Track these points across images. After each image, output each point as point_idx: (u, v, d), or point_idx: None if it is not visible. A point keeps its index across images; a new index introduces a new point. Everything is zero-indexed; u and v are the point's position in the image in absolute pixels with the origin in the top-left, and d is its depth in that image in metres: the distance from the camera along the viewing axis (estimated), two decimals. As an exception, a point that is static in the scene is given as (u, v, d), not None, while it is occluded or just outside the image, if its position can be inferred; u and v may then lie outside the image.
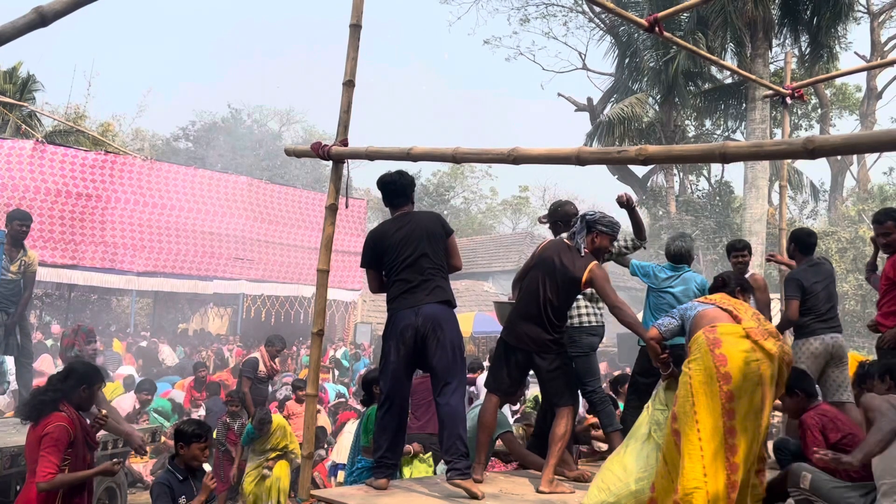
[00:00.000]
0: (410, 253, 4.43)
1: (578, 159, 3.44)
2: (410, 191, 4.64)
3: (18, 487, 5.87)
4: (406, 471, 5.87)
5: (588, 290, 4.82)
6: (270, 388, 9.71)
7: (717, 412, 3.52)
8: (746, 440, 3.53)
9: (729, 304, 3.89)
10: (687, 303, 4.19)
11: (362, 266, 4.64)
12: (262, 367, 8.75)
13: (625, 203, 5.22)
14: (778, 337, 3.76)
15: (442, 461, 5.10)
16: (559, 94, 29.01)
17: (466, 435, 4.48)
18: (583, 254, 4.56)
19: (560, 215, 5.33)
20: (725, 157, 2.99)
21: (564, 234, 4.87)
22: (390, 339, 4.47)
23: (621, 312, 4.36)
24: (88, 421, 4.46)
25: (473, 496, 4.16)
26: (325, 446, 9.12)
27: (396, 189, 4.60)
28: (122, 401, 9.25)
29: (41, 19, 3.03)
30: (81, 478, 4.23)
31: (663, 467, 3.71)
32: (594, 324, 5.25)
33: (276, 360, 9.21)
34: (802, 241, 5.93)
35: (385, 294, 4.57)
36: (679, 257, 5.61)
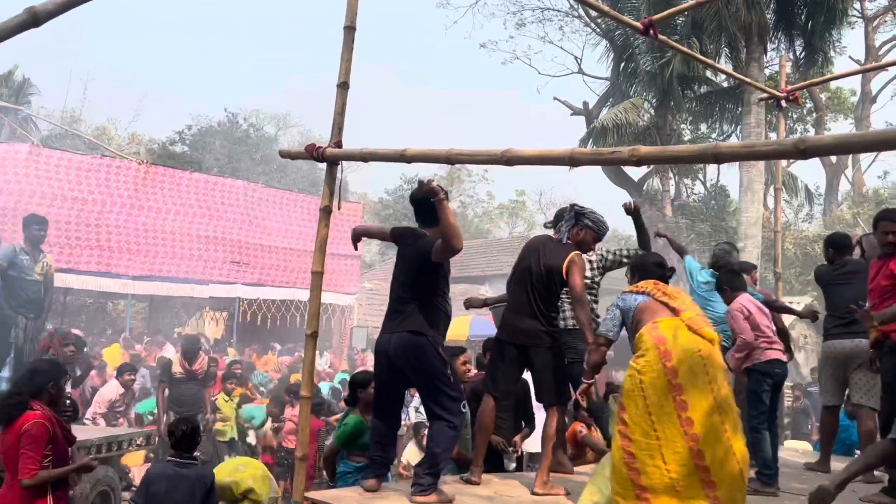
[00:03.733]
0: (398, 277, 4.42)
1: (572, 160, 3.45)
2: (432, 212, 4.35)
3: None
4: None
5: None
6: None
7: (671, 405, 3.57)
8: (704, 425, 3.57)
9: (664, 296, 3.94)
10: (623, 294, 4.15)
11: (392, 235, 4.71)
12: (177, 369, 8.85)
13: (632, 210, 5.39)
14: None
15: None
16: (555, 98, 28.99)
17: (443, 455, 4.33)
18: (565, 242, 4.63)
19: None
20: (718, 158, 3.00)
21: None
22: (375, 358, 4.53)
23: (578, 307, 4.45)
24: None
25: None
26: None
27: (420, 208, 4.40)
28: (105, 389, 9.26)
29: (33, 19, 3.03)
30: (63, 473, 4.34)
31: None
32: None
33: (201, 358, 9.22)
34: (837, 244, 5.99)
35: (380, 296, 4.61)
36: (723, 266, 5.89)
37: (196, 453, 5.15)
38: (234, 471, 5.52)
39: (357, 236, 4.83)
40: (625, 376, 3.83)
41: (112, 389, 9.16)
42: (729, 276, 5.49)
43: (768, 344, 5.07)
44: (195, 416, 8.39)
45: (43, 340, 5.82)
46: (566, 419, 5.49)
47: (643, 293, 4.02)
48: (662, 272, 4.22)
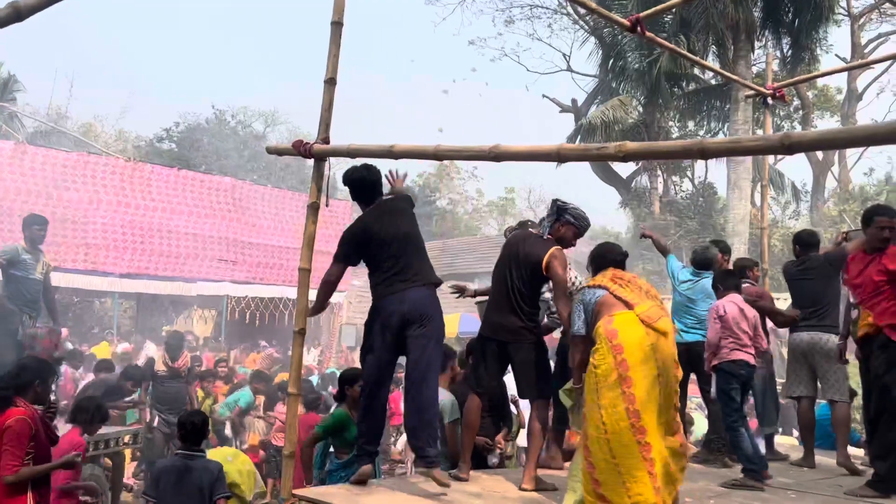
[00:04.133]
0: (396, 240, 4.44)
1: (559, 156, 3.45)
2: (380, 184, 4.67)
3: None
4: None
5: None
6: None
7: (619, 398, 3.64)
8: (654, 419, 3.68)
9: (620, 289, 3.99)
10: (583, 289, 4.21)
11: (338, 260, 4.56)
12: (159, 367, 8.85)
13: (647, 235, 6.53)
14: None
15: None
16: (544, 96, 29.12)
17: (437, 424, 4.46)
18: (545, 238, 4.64)
19: None
20: (704, 154, 3.01)
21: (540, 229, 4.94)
22: (374, 325, 4.44)
23: (562, 302, 4.49)
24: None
25: (443, 485, 4.19)
26: None
27: (366, 184, 4.63)
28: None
29: (16, 14, 3.01)
30: (45, 470, 4.34)
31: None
32: None
33: (184, 355, 9.22)
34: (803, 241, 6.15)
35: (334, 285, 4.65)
36: (703, 265, 6.00)
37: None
38: (223, 461, 5.50)
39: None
40: (586, 372, 3.89)
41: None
42: (722, 274, 5.62)
43: (736, 345, 5.13)
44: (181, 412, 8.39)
45: (45, 338, 5.81)
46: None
47: (600, 287, 4.06)
48: (616, 258, 4.24)
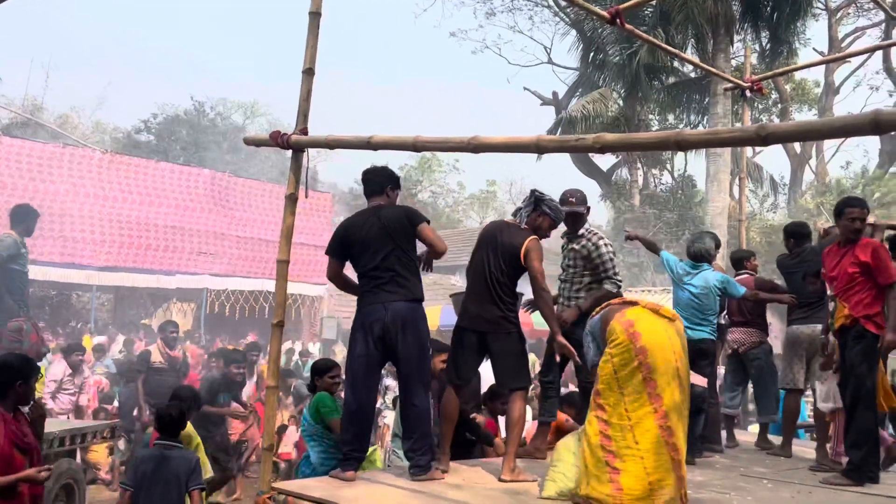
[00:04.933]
0: (377, 248, 4.45)
1: (538, 147, 3.46)
2: (387, 185, 4.65)
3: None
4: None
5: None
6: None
7: (641, 385, 3.75)
8: (671, 402, 3.78)
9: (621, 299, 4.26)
10: (589, 321, 4.29)
11: (327, 252, 4.67)
12: (157, 358, 8.68)
13: (632, 237, 6.42)
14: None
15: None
16: (525, 88, 29.06)
17: (430, 432, 4.56)
18: (522, 227, 4.68)
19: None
20: (680, 145, 3.02)
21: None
22: (357, 332, 4.49)
23: (542, 299, 4.54)
24: (27, 414, 4.27)
25: (440, 476, 4.36)
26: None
27: (368, 181, 4.67)
28: (53, 368, 9.12)
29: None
30: (6, 482, 3.84)
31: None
32: None
33: (175, 349, 9.13)
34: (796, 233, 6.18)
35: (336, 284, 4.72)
36: (698, 256, 5.97)
37: None
38: None
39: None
40: (601, 364, 3.93)
41: (59, 369, 9.04)
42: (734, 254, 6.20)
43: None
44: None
45: (31, 333, 5.69)
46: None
47: (602, 309, 4.19)
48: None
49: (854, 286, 4.84)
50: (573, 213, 5.23)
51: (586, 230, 5.36)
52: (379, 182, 4.67)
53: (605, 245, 5.26)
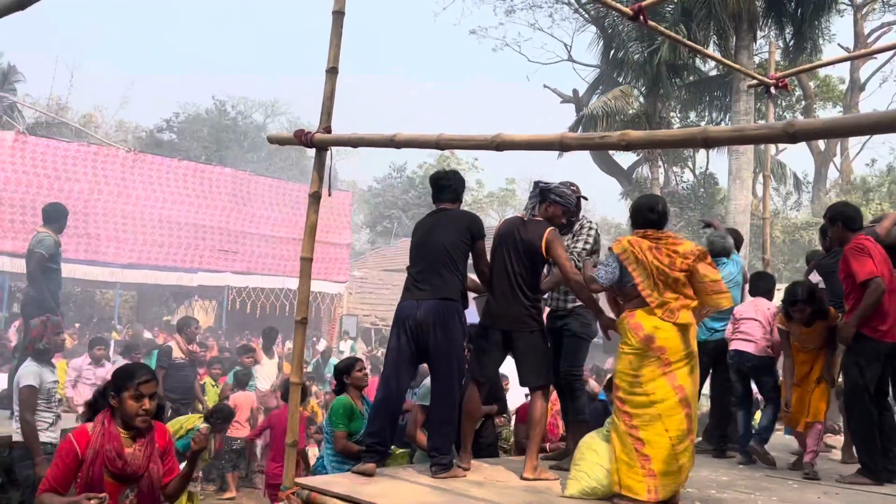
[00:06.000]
0: (426, 247, 4.58)
1: (562, 145, 3.43)
2: (453, 189, 4.77)
3: (0, 479, 5.84)
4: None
5: None
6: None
7: (661, 375, 3.87)
8: (692, 389, 3.93)
9: (640, 272, 4.09)
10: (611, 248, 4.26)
11: None
12: (177, 354, 8.72)
13: (709, 224, 6.66)
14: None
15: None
16: (545, 86, 28.90)
17: (454, 432, 4.58)
18: (537, 220, 4.67)
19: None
20: (707, 142, 2.99)
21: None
22: (393, 327, 4.60)
23: (578, 285, 4.50)
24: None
25: (461, 473, 4.41)
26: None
27: (436, 185, 4.83)
28: (76, 360, 9.28)
29: (19, 3, 2.99)
30: None
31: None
32: None
33: (195, 343, 9.17)
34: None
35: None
36: (722, 252, 6.00)
37: None
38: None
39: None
40: (616, 359, 4.04)
41: (81, 359, 9.25)
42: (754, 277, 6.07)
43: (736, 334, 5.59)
44: (192, 405, 8.40)
45: (35, 328, 5.73)
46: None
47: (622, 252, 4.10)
48: (652, 217, 4.18)
49: (849, 292, 4.94)
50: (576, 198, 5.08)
51: (582, 216, 5.19)
52: (445, 187, 4.78)
53: (591, 229, 5.01)
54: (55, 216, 7.53)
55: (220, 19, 77.33)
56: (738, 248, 6.41)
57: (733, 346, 5.54)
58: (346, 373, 5.34)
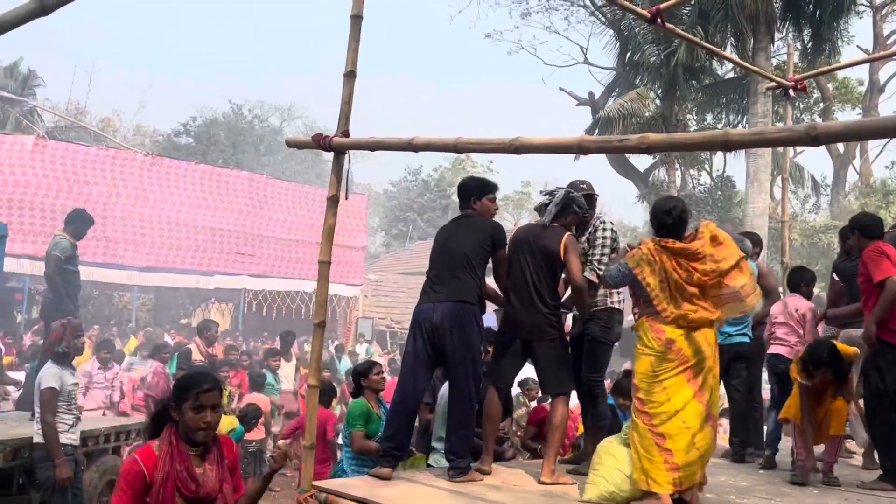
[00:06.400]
0: (445, 251, 4.59)
1: (580, 148, 3.42)
2: (471, 196, 4.79)
3: (21, 480, 5.89)
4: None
5: None
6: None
7: (679, 374, 3.90)
8: (710, 388, 3.98)
9: (652, 280, 4.09)
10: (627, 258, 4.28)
11: None
12: (197, 357, 8.76)
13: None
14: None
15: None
16: (561, 89, 28.79)
17: (472, 436, 4.58)
18: (555, 225, 4.68)
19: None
20: (728, 145, 2.97)
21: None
22: (411, 330, 4.61)
23: (581, 295, 4.58)
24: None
25: (481, 476, 4.41)
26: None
27: (460, 192, 4.89)
28: (84, 365, 9.31)
29: (42, 8, 3.01)
30: None
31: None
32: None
33: (214, 346, 9.21)
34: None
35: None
36: None
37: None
38: None
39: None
40: (635, 362, 4.04)
41: (90, 366, 9.32)
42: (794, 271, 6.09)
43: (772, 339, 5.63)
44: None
45: (55, 331, 5.79)
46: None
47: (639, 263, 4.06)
48: (668, 221, 4.10)
49: (868, 296, 4.92)
50: (589, 195, 5.06)
51: (596, 218, 5.10)
52: (464, 193, 4.83)
53: (605, 230, 4.94)
54: (74, 220, 7.65)
55: (226, 20, 77.80)
56: (758, 252, 6.34)
57: (770, 349, 5.65)
58: (363, 376, 5.38)
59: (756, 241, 6.42)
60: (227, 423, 7.03)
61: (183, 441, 3.12)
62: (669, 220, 4.10)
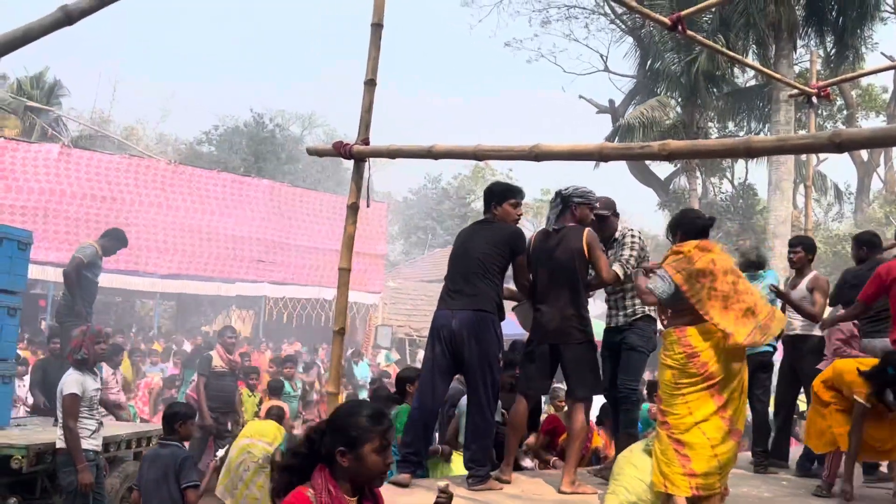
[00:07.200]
0: (462, 257, 4.58)
1: (601, 155, 3.42)
2: (491, 201, 4.76)
3: (44, 485, 5.95)
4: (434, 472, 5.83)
5: None
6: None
7: (702, 385, 3.86)
8: (734, 400, 3.93)
9: (692, 288, 4.03)
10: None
11: None
12: (217, 363, 8.78)
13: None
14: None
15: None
16: (581, 97, 28.76)
17: (491, 444, 4.60)
18: (570, 225, 4.62)
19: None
20: (750, 152, 2.95)
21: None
22: (430, 337, 4.60)
23: (608, 283, 4.58)
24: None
25: (500, 484, 4.40)
26: None
27: (484, 196, 4.89)
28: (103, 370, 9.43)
29: (67, 18, 3.06)
30: None
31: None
32: None
33: (237, 352, 9.23)
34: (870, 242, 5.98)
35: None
36: (759, 264, 5.98)
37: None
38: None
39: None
40: (659, 371, 4.03)
41: (104, 373, 9.33)
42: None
43: None
44: (231, 414, 8.47)
45: (75, 338, 5.85)
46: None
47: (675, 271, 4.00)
48: (704, 223, 4.15)
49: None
50: (598, 216, 4.94)
51: (621, 232, 5.06)
52: (487, 197, 4.83)
53: (634, 236, 4.91)
54: (111, 236, 7.91)
55: (226, 18, 78.61)
56: (761, 267, 6.16)
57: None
58: (409, 381, 5.44)
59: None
60: (273, 432, 6.46)
61: (343, 489, 2.50)
62: (700, 222, 4.15)
